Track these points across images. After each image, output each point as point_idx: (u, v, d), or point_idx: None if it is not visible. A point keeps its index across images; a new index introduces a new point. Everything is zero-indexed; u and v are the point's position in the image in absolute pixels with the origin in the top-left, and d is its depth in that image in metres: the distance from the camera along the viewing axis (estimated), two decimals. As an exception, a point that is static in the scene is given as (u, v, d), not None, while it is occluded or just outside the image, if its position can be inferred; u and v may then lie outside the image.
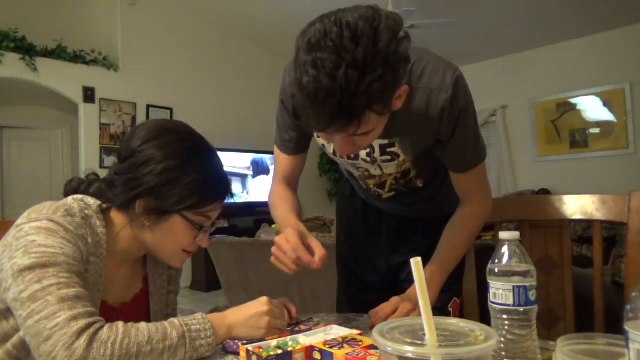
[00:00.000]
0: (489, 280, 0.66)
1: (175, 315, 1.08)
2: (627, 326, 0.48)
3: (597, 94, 5.28)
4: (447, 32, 4.80)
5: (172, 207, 0.86)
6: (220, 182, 0.92)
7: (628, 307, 0.49)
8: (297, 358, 0.78)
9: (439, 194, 1.24)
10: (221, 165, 0.95)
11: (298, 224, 1.05)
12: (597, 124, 5.31)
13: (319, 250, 0.94)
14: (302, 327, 0.96)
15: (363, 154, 1.08)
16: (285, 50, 6.21)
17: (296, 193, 1.28)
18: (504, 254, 0.66)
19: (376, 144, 1.04)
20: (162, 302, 1.03)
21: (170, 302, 1.08)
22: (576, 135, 5.44)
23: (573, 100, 5.46)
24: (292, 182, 1.29)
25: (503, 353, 0.64)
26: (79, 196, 0.89)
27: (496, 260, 0.66)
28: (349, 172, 1.28)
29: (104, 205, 0.90)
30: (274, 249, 0.98)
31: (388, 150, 1.05)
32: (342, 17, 0.75)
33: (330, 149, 1.12)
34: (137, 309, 0.98)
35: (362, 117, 0.77)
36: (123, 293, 0.96)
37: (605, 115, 5.25)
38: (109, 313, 0.86)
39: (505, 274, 0.65)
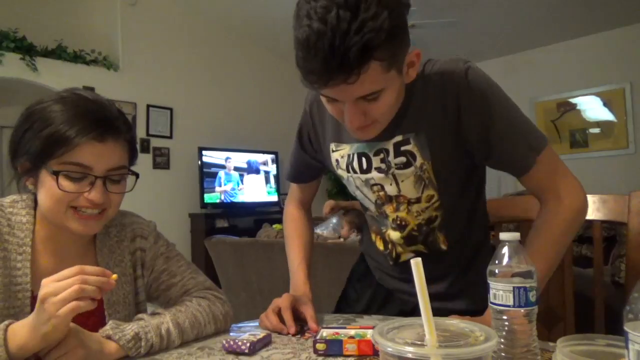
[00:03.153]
0: (489, 281, 0.66)
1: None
2: (627, 327, 0.48)
3: (597, 94, 5.28)
4: (447, 31, 4.80)
5: (26, 159, 0.86)
6: (71, 119, 0.84)
7: (628, 307, 0.49)
8: (347, 348, 0.80)
9: (465, 274, 1.08)
10: (78, 108, 0.87)
11: (299, 286, 1.12)
12: (597, 123, 5.31)
13: (311, 321, 0.97)
14: (307, 335, 0.95)
15: (377, 160, 1.00)
16: (285, 50, 6.22)
17: (309, 212, 1.32)
18: (504, 254, 0.66)
19: (390, 143, 0.97)
20: (124, 291, 0.98)
21: (140, 289, 1.03)
22: (576, 135, 5.44)
23: (573, 100, 5.45)
24: (305, 203, 1.32)
25: (503, 354, 0.64)
26: (22, 195, 0.92)
27: (496, 261, 0.67)
28: (366, 215, 1.17)
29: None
30: (262, 316, 1.02)
31: (402, 148, 0.96)
32: None
33: (343, 164, 1.06)
34: None
35: (362, 65, 0.73)
36: None
37: (606, 115, 5.25)
38: None
39: (506, 274, 0.65)
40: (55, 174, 0.83)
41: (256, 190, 5.80)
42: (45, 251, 0.91)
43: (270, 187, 5.95)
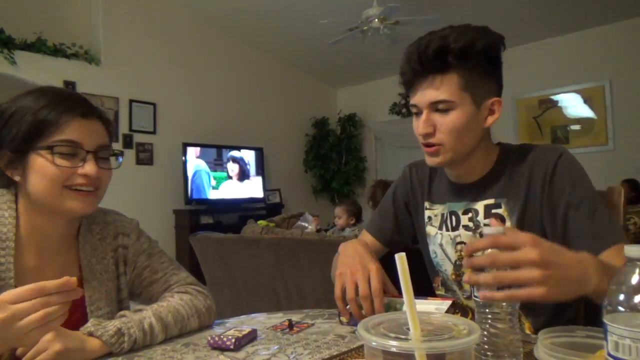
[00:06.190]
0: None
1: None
2: (606, 319, 0.49)
3: (577, 91, 5.37)
4: (431, 28, 4.81)
5: (13, 145, 0.85)
6: (53, 102, 0.86)
7: (606, 300, 0.50)
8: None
9: None
10: (55, 93, 0.89)
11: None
12: (578, 120, 5.40)
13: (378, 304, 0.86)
14: (296, 329, 0.95)
15: (465, 219, 1.06)
16: (270, 46, 6.20)
17: None
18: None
19: (480, 204, 1.04)
20: (106, 287, 0.98)
21: (123, 286, 1.02)
22: (557, 132, 5.53)
23: (554, 97, 5.54)
24: None
25: (486, 346, 0.65)
26: (2, 190, 0.91)
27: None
28: (438, 294, 1.15)
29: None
30: (336, 283, 0.91)
31: (493, 211, 1.03)
32: None
33: (437, 221, 1.12)
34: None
35: (445, 68, 0.93)
36: None
37: (586, 112, 5.34)
38: None
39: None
40: (50, 148, 0.84)
41: (241, 186, 5.77)
42: (28, 247, 0.90)
43: (255, 183, 5.93)
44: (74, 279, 0.69)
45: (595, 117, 5.27)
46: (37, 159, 0.85)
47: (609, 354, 0.49)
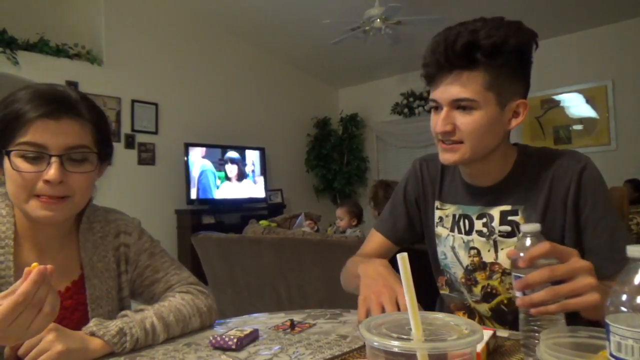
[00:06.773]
0: (515, 273, 0.67)
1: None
2: (608, 319, 0.49)
3: (580, 91, 5.36)
4: (433, 28, 4.81)
5: None
6: (24, 100, 0.82)
7: (609, 300, 0.50)
8: None
9: None
10: (33, 92, 0.84)
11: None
12: (580, 120, 5.39)
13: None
14: (298, 329, 0.95)
15: (479, 224, 1.02)
16: (272, 46, 6.20)
17: None
18: (528, 247, 0.67)
19: (496, 210, 1.01)
20: (107, 286, 0.97)
21: (124, 284, 1.02)
22: (560, 132, 5.52)
23: (557, 97, 5.53)
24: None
25: (535, 341, 0.66)
26: (1, 188, 0.89)
27: (521, 254, 0.67)
28: (442, 295, 1.14)
29: None
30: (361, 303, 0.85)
31: (509, 218, 0.99)
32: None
33: (448, 222, 1.08)
34: (75, 296, 0.93)
35: (472, 64, 0.88)
36: (55, 282, 0.90)
37: (588, 112, 5.33)
38: None
39: (533, 266, 0.66)
40: (8, 153, 0.81)
41: (243, 186, 5.77)
42: (27, 245, 0.90)
43: (257, 183, 5.93)
44: (35, 265, 0.65)
45: (597, 117, 5.26)
46: (6, 162, 0.82)
47: (612, 355, 0.49)
